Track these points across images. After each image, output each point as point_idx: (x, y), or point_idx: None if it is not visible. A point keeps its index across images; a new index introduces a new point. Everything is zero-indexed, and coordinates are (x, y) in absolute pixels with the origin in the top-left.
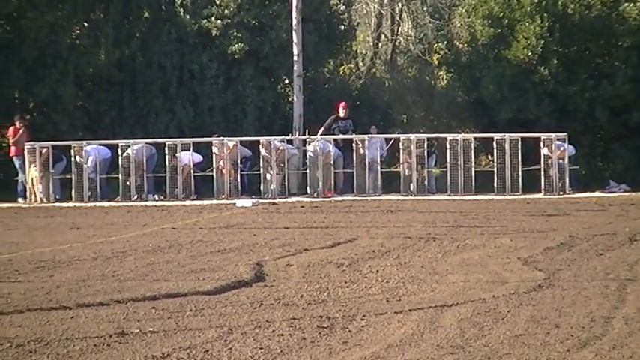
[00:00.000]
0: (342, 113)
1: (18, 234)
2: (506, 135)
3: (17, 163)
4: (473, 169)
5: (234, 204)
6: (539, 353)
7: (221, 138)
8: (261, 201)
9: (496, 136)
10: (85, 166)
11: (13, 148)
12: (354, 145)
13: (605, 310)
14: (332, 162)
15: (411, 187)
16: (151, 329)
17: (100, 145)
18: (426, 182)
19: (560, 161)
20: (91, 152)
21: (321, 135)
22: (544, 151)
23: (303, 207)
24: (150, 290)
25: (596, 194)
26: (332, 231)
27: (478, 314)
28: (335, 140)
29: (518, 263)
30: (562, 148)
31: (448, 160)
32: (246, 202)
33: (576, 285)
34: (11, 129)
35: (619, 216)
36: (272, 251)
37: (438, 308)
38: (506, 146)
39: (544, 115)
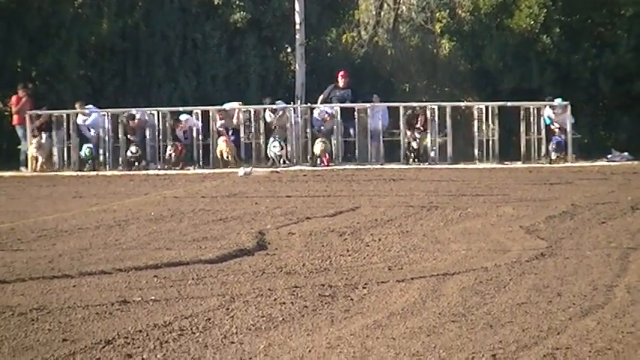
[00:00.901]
0: (340, 82)
1: (20, 203)
2: (508, 103)
3: (20, 132)
4: (476, 137)
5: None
6: (542, 322)
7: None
8: (255, 169)
9: (499, 104)
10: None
11: (15, 117)
12: (355, 113)
13: (607, 278)
14: (333, 128)
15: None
16: (152, 298)
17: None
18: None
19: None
20: (93, 110)
21: (320, 103)
22: (547, 111)
23: (305, 175)
24: (152, 259)
25: (599, 163)
26: (334, 200)
27: (480, 283)
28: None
29: (521, 232)
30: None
31: (449, 129)
32: (247, 170)
33: (578, 254)
34: (14, 98)
35: (621, 185)
36: (274, 220)
37: (440, 277)
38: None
39: (547, 84)
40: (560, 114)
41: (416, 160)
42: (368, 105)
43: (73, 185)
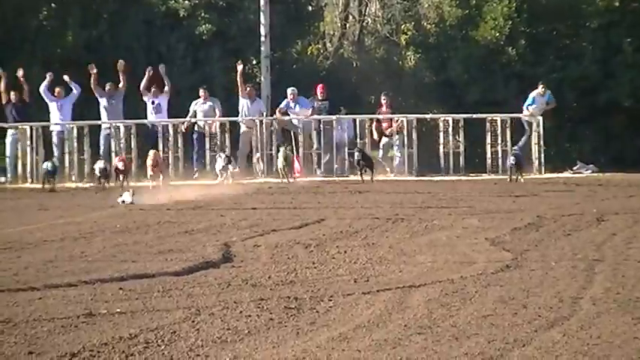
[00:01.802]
0: (319, 95)
1: None
2: (474, 115)
3: None
4: (442, 149)
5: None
6: (507, 334)
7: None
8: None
9: (464, 116)
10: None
11: None
12: (321, 125)
13: (573, 290)
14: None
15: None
16: (118, 310)
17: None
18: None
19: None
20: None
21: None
22: (534, 93)
23: (270, 187)
24: (117, 271)
25: (564, 175)
26: (300, 212)
27: (446, 295)
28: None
29: (486, 244)
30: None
31: (415, 141)
32: (128, 197)
33: (544, 265)
34: None
35: (587, 196)
36: (240, 232)
37: (405, 289)
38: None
39: (511, 95)
40: (540, 105)
41: (365, 170)
42: (334, 117)
43: (37, 198)
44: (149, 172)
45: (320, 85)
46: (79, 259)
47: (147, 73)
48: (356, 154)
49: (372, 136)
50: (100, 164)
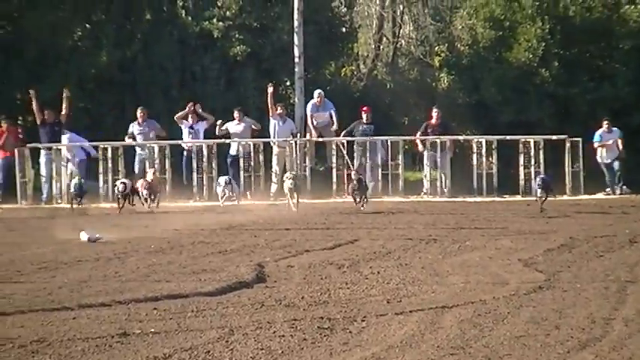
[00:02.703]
0: (364, 118)
1: (18, 235)
2: (507, 137)
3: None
4: (475, 170)
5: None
6: (539, 354)
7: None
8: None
9: (497, 137)
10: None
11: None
12: (367, 146)
13: (605, 311)
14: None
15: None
16: (152, 330)
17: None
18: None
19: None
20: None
21: (343, 136)
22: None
23: (303, 208)
24: (151, 291)
25: (597, 196)
26: (333, 232)
27: (478, 315)
28: (357, 143)
29: (519, 265)
30: None
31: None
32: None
33: (576, 286)
34: None
35: (619, 218)
36: (273, 252)
37: (438, 309)
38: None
39: (545, 116)
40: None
41: (359, 197)
42: (380, 139)
43: (71, 217)
44: (143, 192)
45: (365, 108)
46: (113, 278)
47: (187, 107)
48: (354, 177)
49: (417, 147)
50: (119, 184)
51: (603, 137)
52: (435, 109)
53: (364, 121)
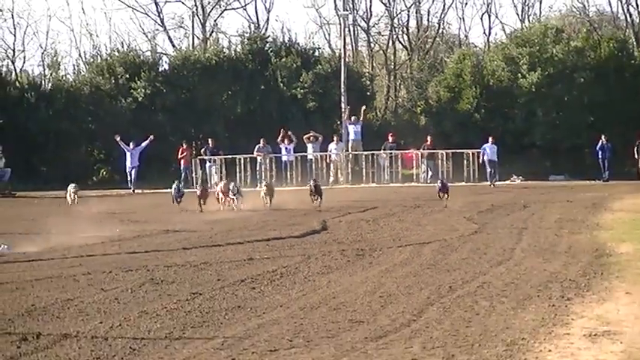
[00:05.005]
0: (390, 139)
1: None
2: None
3: (185, 171)
4: (440, 169)
5: None
6: (475, 268)
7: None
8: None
9: (452, 151)
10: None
11: (182, 161)
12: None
13: (510, 244)
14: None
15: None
16: (265, 257)
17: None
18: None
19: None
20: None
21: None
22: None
23: (342, 187)
24: (265, 235)
25: (506, 182)
26: (363, 203)
27: (442, 247)
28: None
29: (464, 220)
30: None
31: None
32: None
33: (495, 231)
34: (180, 148)
35: (519, 194)
36: (330, 215)
37: (420, 244)
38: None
39: (476, 139)
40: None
41: (316, 197)
42: (397, 152)
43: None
44: (221, 197)
45: (391, 133)
46: (244, 228)
47: (281, 131)
48: (311, 184)
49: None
50: (174, 186)
51: (488, 148)
52: (429, 136)
53: (390, 140)
